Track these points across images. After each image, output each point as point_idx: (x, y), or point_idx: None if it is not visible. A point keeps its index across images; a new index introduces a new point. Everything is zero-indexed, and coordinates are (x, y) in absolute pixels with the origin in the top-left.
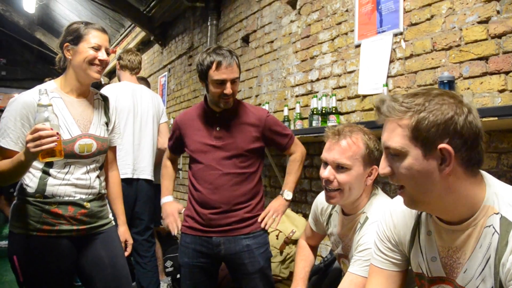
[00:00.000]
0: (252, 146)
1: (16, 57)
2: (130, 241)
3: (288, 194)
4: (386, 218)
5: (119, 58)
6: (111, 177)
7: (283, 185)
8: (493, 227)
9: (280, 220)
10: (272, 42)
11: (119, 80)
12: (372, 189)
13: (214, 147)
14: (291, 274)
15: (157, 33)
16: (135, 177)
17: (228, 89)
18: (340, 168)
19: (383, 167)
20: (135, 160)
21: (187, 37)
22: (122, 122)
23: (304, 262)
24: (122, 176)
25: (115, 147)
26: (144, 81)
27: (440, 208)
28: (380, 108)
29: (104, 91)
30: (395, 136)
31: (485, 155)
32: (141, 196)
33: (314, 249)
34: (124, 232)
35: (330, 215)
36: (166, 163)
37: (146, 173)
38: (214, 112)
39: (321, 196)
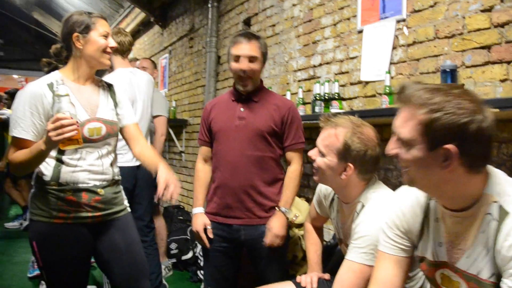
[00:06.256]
0: (273, 129)
1: (13, 37)
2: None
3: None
4: (394, 206)
5: None
6: (143, 151)
7: (280, 201)
8: (492, 215)
9: None
10: (274, 25)
11: (111, 67)
12: (369, 180)
13: (237, 127)
14: (294, 257)
15: (157, 14)
16: (136, 164)
17: (242, 64)
18: (319, 152)
19: (390, 148)
20: None
21: (188, 18)
22: None
23: (314, 246)
24: (125, 164)
25: (136, 124)
26: (151, 63)
27: (437, 193)
28: (400, 94)
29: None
30: (407, 126)
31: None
32: (141, 181)
33: (319, 230)
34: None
35: (333, 200)
36: (199, 166)
37: None
38: (241, 94)
39: None
